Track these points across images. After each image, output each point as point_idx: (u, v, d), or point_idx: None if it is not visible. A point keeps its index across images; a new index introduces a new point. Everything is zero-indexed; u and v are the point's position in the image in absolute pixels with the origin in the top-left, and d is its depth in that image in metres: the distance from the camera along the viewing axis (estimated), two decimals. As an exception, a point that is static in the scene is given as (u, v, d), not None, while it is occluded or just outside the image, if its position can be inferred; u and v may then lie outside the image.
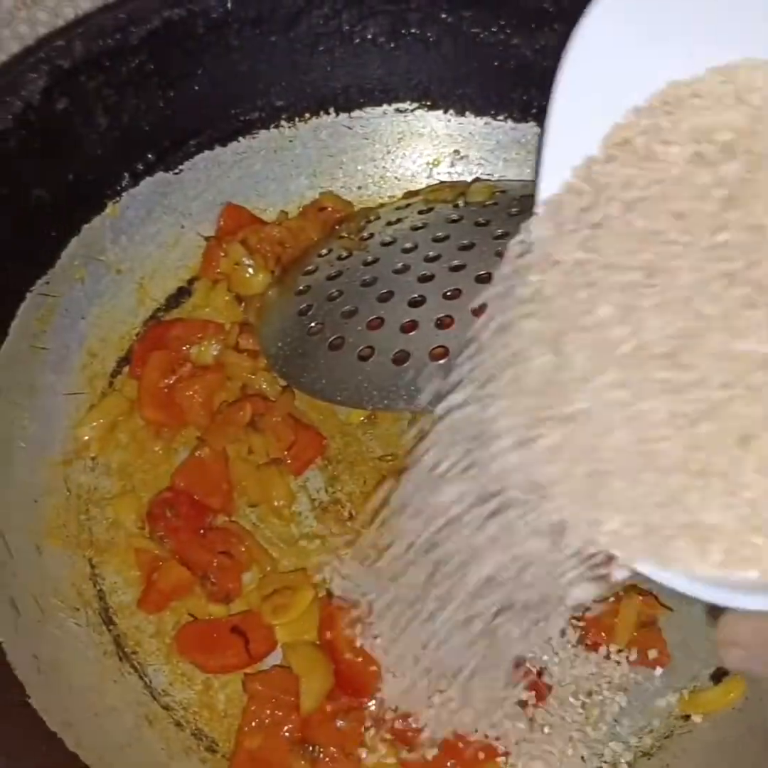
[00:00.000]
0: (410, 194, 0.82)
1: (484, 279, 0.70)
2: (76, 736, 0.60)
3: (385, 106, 0.81)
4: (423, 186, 0.83)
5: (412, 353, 0.67)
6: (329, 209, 0.81)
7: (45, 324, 0.72)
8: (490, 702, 0.61)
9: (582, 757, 0.63)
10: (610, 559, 0.45)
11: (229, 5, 0.73)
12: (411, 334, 0.69)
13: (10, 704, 0.59)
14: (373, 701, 0.64)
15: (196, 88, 0.76)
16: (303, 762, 0.63)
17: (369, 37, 0.77)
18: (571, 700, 0.63)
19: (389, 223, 0.77)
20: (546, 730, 0.63)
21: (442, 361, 0.67)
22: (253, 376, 0.74)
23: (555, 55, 0.74)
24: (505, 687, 0.61)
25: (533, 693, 0.63)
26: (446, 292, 0.69)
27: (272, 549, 0.71)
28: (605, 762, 0.64)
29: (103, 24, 0.71)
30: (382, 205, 0.82)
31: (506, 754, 0.62)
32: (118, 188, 0.75)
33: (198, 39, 0.73)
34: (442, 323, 0.68)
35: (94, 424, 0.73)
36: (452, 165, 0.83)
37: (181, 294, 0.79)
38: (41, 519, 0.69)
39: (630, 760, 0.64)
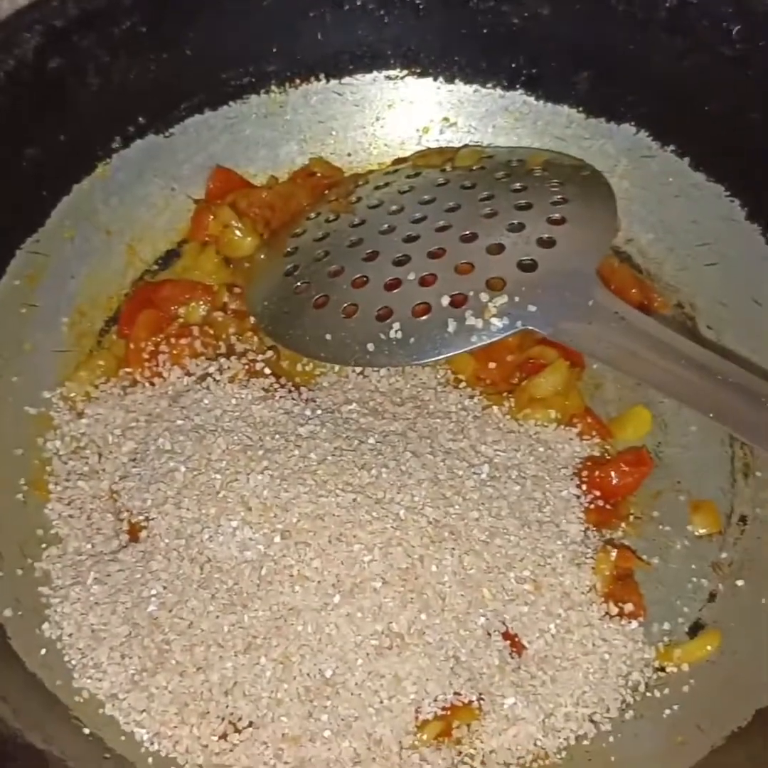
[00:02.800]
0: (399, 161, 0.82)
1: (469, 238, 0.70)
2: (54, 677, 0.60)
3: (375, 73, 0.81)
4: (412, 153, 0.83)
5: (395, 310, 0.68)
6: (319, 175, 0.81)
7: (34, 282, 0.72)
8: None
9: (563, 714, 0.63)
10: None
11: (221, -31, 0.73)
12: (394, 291, 0.69)
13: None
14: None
15: (188, 51, 0.76)
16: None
17: (359, 3, 0.78)
18: (547, 655, 0.63)
19: (377, 188, 0.78)
20: (523, 683, 0.62)
21: (424, 318, 0.68)
22: (239, 336, 0.75)
23: (543, 23, 0.76)
24: None
25: (508, 643, 0.63)
26: (431, 250, 0.70)
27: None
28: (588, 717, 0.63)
29: (97, -15, 0.71)
30: (371, 172, 0.82)
31: (479, 699, 0.62)
32: (109, 150, 0.76)
33: (191, 2, 0.74)
34: (425, 281, 0.69)
35: (81, 380, 0.73)
36: (441, 133, 0.83)
37: (170, 256, 0.80)
38: (27, 471, 0.69)
39: (608, 713, 0.64)
